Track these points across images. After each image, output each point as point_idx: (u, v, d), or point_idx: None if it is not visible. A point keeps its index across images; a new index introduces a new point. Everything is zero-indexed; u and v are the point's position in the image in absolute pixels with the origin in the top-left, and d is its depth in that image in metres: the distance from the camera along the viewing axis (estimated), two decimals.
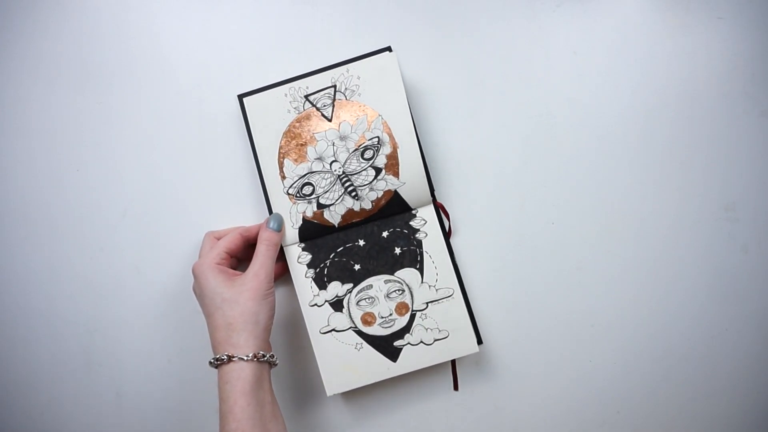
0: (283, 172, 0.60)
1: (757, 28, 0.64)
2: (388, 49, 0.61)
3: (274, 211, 0.60)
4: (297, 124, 0.60)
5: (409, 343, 0.60)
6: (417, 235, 0.61)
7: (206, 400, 0.63)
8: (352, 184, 0.60)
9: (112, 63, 0.63)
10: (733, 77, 0.63)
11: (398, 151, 0.60)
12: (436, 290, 0.61)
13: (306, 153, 0.60)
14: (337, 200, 0.60)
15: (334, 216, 0.60)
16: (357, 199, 0.60)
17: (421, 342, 0.60)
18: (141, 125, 0.63)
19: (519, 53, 0.64)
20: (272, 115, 0.60)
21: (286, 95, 0.60)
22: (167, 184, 0.63)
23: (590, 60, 0.64)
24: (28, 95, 0.63)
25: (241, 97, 0.61)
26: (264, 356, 0.53)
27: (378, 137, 0.60)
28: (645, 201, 0.64)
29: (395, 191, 0.61)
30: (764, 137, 0.63)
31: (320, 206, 0.60)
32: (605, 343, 0.64)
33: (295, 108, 0.60)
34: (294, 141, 0.60)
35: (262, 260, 0.56)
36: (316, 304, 0.60)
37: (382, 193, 0.60)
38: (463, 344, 0.60)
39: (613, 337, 0.64)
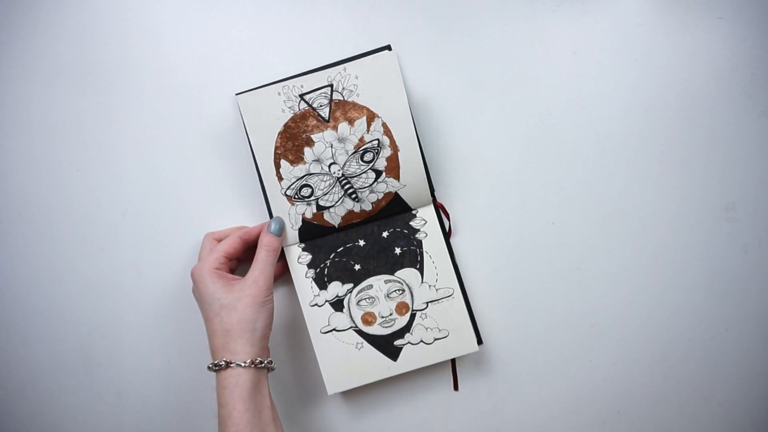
0: (279, 173, 0.60)
1: (757, 28, 0.64)
2: (388, 47, 0.61)
3: (273, 211, 0.60)
4: (292, 125, 0.59)
5: (409, 343, 0.60)
6: (417, 236, 0.61)
7: (206, 400, 0.63)
8: (351, 187, 0.60)
9: (112, 63, 0.63)
10: (733, 77, 0.63)
11: (399, 153, 0.60)
12: (436, 290, 0.61)
13: (303, 154, 0.60)
14: (336, 202, 0.60)
15: (334, 217, 0.60)
16: (357, 201, 0.60)
17: (422, 341, 0.60)
18: (141, 125, 0.63)
19: (519, 53, 0.64)
20: (266, 115, 0.59)
21: (279, 94, 0.59)
22: (167, 184, 0.63)
23: (590, 60, 0.64)
24: (28, 95, 0.63)
25: (237, 95, 0.60)
26: (261, 363, 0.53)
27: (378, 140, 0.59)
28: (645, 201, 0.64)
29: (396, 193, 0.60)
30: (764, 137, 0.63)
31: (320, 208, 0.60)
32: (605, 343, 0.64)
33: (289, 107, 0.59)
34: (290, 142, 0.59)
35: (261, 266, 0.56)
36: (316, 304, 0.60)
37: (382, 195, 0.60)
38: (463, 343, 0.60)
39: (613, 337, 0.64)
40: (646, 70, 0.64)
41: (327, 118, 0.59)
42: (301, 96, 0.59)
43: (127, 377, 0.63)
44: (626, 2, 0.64)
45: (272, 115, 0.59)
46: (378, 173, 0.60)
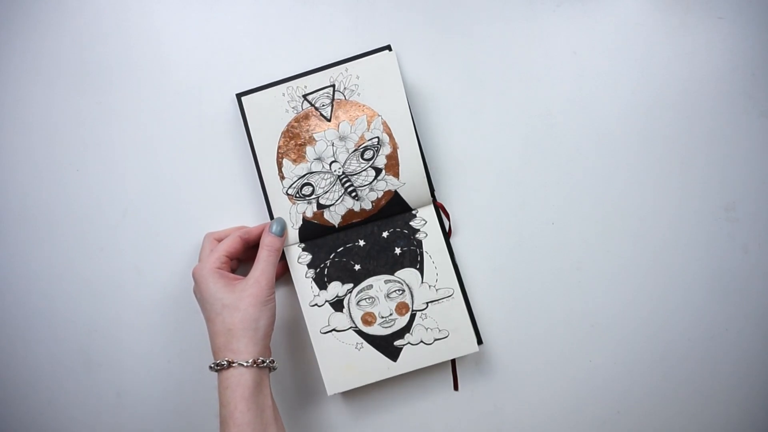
0: (282, 172, 0.60)
1: (757, 28, 0.64)
2: (388, 48, 0.61)
3: (273, 210, 0.60)
4: (295, 124, 0.60)
5: (409, 343, 0.60)
6: (417, 236, 0.61)
7: (206, 400, 0.63)
8: (352, 185, 0.60)
9: (112, 63, 0.63)
10: (733, 77, 0.63)
11: (398, 151, 0.60)
12: (436, 290, 0.61)
13: (305, 153, 0.60)
14: (337, 201, 0.60)
15: (334, 216, 0.60)
16: (357, 200, 0.60)
17: (421, 342, 0.60)
18: (141, 125, 0.63)
19: (519, 53, 0.64)
20: (270, 115, 0.60)
21: (284, 94, 0.60)
22: (167, 184, 0.63)
23: (590, 60, 0.64)
24: (28, 95, 0.63)
25: (239, 96, 0.61)
26: (263, 362, 0.53)
27: (378, 137, 0.60)
28: (645, 201, 0.64)
29: (395, 191, 0.61)
30: (764, 137, 0.63)
31: (320, 206, 0.60)
32: (605, 343, 0.64)
33: (293, 108, 0.60)
34: (293, 141, 0.60)
35: (263, 266, 0.56)
36: (316, 304, 0.60)
37: (382, 193, 0.60)
38: (463, 344, 0.60)
39: (613, 337, 0.64)
40: (646, 70, 0.64)
41: (329, 118, 0.60)
42: (305, 96, 0.60)
43: (127, 377, 0.63)
44: (626, 2, 0.64)
45: (276, 116, 0.60)
46: (378, 171, 0.60)
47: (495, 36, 0.64)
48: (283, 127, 0.60)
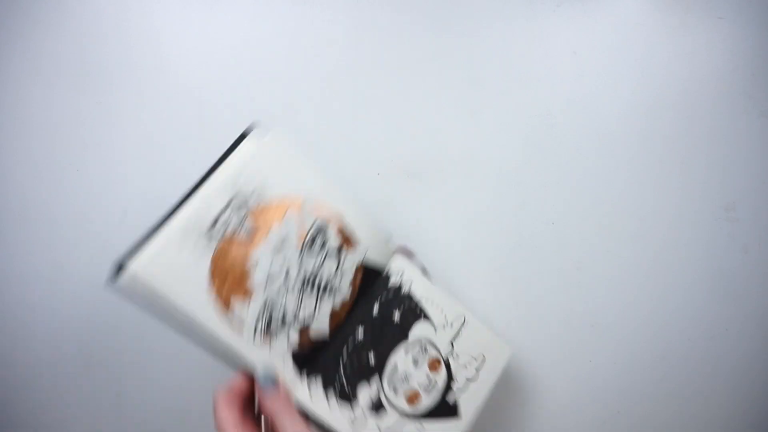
0: (234, 322, 0.48)
1: (757, 28, 0.64)
2: (245, 134, 0.50)
3: (253, 364, 0.50)
4: (219, 262, 0.48)
5: (459, 390, 0.56)
6: (404, 290, 0.56)
7: (206, 400, 0.63)
8: (321, 280, 0.52)
9: (112, 63, 0.63)
10: (733, 77, 0.63)
11: (344, 218, 0.53)
12: (451, 325, 0.57)
13: (251, 283, 0.49)
14: (315, 308, 0.51)
15: (321, 325, 0.52)
16: (334, 293, 0.52)
17: (467, 380, 0.56)
18: (141, 125, 0.63)
19: (519, 53, 0.64)
20: (185, 268, 0.46)
21: (185, 239, 0.47)
22: (167, 184, 0.63)
23: (590, 60, 0.64)
24: (28, 95, 0.63)
25: (119, 268, 0.45)
26: None
27: (315, 219, 0.52)
28: (645, 201, 0.64)
29: (364, 262, 0.54)
30: (764, 137, 0.63)
31: (303, 326, 0.51)
32: (605, 343, 0.64)
33: (204, 245, 0.47)
34: (227, 283, 0.48)
35: (280, 421, 0.47)
36: (357, 420, 0.52)
37: (354, 271, 0.53)
38: (500, 357, 0.58)
39: (613, 337, 0.64)
40: (646, 70, 0.64)
41: (252, 234, 0.49)
42: (210, 228, 0.48)
43: (127, 377, 0.63)
44: (626, 2, 0.64)
45: (191, 265, 0.47)
46: (338, 251, 0.53)
47: (495, 36, 0.63)
48: (205, 274, 0.47)
